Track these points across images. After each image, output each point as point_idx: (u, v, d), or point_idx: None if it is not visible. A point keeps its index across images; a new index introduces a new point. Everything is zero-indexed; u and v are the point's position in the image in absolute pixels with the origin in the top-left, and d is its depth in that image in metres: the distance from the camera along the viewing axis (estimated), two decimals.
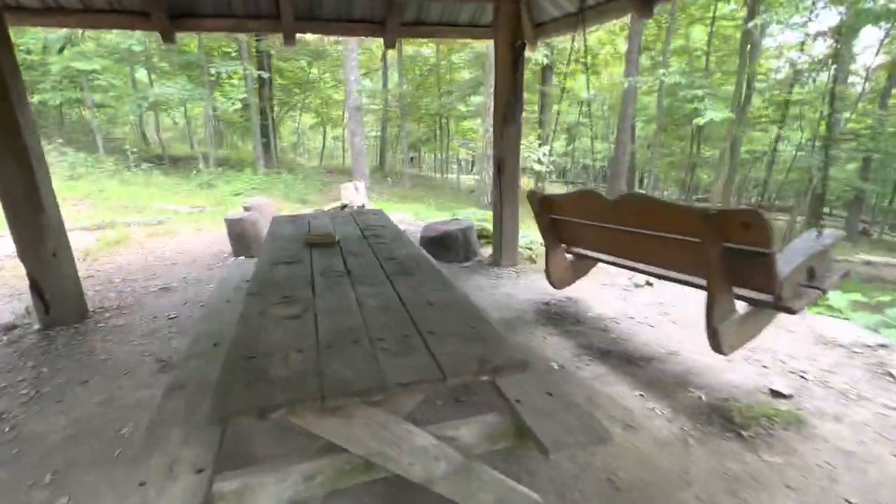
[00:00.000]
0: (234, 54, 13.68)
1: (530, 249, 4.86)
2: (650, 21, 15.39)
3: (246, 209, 5.51)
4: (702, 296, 2.08)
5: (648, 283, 4.16)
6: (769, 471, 1.77)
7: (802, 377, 2.55)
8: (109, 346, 2.83)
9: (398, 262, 2.01)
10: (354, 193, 6.48)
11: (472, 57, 16.44)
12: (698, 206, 1.96)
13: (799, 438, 1.98)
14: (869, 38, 17.65)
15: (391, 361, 1.15)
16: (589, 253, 2.89)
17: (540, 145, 9.88)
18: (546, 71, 12.99)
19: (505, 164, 4.04)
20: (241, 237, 4.75)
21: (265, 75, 13.08)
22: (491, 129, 7.69)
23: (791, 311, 1.93)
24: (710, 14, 16.56)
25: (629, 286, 4.14)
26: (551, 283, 3.15)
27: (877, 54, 15.26)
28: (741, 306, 2.15)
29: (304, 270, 1.90)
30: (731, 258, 1.88)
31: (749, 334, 2.13)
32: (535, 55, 9.96)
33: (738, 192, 18.78)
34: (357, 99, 10.69)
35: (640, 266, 2.50)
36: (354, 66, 10.68)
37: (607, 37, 17.37)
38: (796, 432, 2.03)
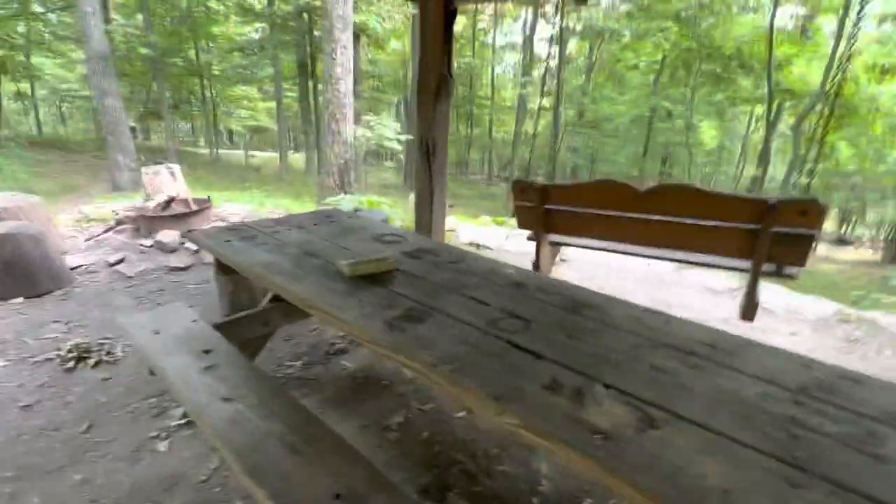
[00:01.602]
0: None
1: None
2: None
3: None
4: (611, 265, 2.24)
5: (562, 259, 4.50)
6: None
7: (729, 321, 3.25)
8: None
9: (559, 295, 1.48)
10: (171, 181, 4.62)
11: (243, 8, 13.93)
12: (754, 196, 2.15)
13: None
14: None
15: None
16: (587, 242, 2.88)
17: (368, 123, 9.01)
18: (355, 41, 12.06)
19: (436, 146, 3.57)
20: (15, 265, 2.78)
21: None
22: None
23: (794, 278, 2.36)
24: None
25: None
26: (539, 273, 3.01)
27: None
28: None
29: (465, 330, 1.20)
30: (778, 240, 2.15)
31: None
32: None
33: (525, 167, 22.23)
34: (103, 42, 7.48)
35: (658, 252, 2.63)
36: None
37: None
38: None
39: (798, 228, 2.10)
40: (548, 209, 2.78)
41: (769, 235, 2.14)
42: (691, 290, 3.84)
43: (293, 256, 1.70)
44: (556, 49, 20.32)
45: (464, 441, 1.83)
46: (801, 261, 2.21)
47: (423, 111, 3.64)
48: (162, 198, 4.07)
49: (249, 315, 2.04)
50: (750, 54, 13.76)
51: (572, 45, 21.60)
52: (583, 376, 1.01)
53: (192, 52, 15.37)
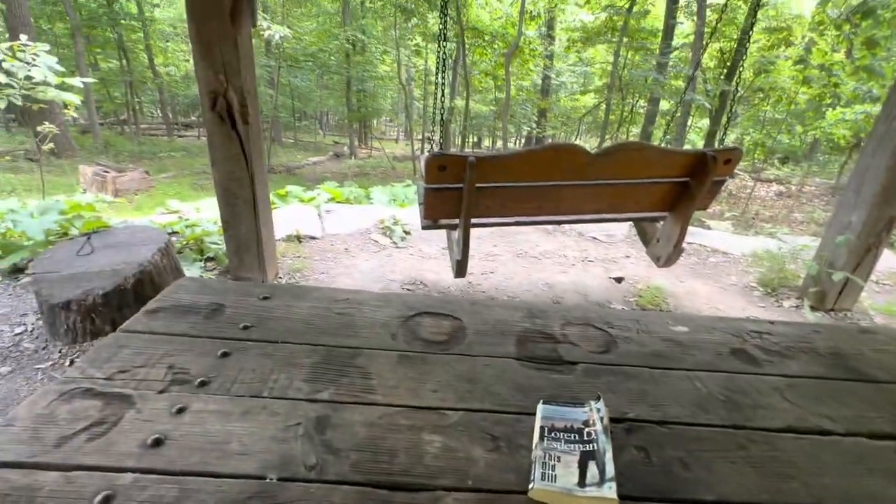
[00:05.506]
0: None
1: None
2: None
3: None
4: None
5: (406, 232, 3.79)
6: None
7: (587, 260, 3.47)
8: None
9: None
10: None
11: None
12: (693, 150, 2.06)
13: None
14: None
15: None
16: (506, 220, 2.34)
17: None
18: None
19: (245, 103, 2.16)
20: None
21: None
22: None
23: None
24: None
25: (390, 245, 3.62)
26: (463, 274, 2.32)
27: None
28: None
29: None
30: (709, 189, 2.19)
31: None
32: None
33: None
34: None
35: (585, 217, 2.36)
36: None
37: None
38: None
39: (720, 176, 2.18)
40: (478, 188, 2.06)
41: (708, 185, 2.15)
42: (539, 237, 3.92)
43: None
44: None
45: None
46: (708, 205, 2.36)
47: (209, 42, 2.11)
48: None
49: None
50: None
51: None
52: None
53: None
